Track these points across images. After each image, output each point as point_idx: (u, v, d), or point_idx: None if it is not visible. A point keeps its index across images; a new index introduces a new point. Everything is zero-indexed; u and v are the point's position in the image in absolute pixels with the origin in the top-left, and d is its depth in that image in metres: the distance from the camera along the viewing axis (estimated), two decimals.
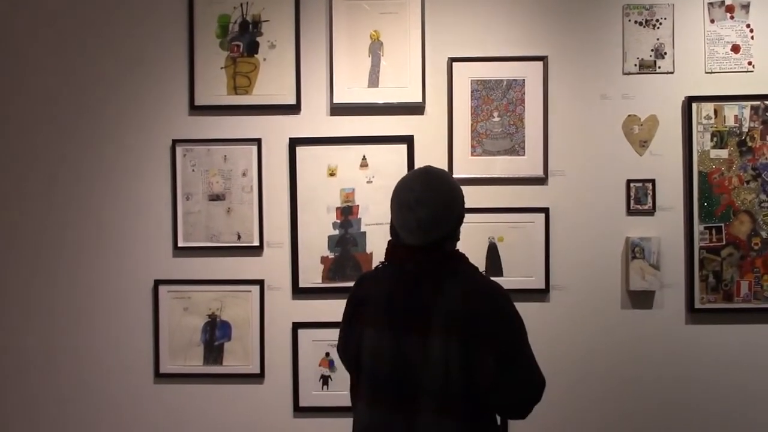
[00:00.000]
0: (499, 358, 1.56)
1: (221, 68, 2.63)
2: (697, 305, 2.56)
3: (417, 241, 1.62)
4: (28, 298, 2.67)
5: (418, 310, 1.61)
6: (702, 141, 2.57)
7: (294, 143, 2.61)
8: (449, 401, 1.57)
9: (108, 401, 2.66)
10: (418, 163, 2.58)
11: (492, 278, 1.76)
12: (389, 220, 2.63)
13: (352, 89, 2.61)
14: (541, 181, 2.60)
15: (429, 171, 1.68)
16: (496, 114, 2.60)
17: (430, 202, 1.60)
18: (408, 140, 2.60)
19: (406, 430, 1.60)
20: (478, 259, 2.48)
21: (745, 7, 2.59)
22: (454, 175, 2.55)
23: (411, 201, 1.60)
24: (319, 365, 2.62)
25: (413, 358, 1.60)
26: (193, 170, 2.64)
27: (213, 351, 2.63)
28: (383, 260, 1.74)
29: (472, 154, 2.60)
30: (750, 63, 2.59)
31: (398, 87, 2.60)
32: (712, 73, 2.60)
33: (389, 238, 1.72)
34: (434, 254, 1.63)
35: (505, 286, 1.70)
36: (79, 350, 2.66)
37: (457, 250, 1.72)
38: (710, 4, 2.60)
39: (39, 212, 2.67)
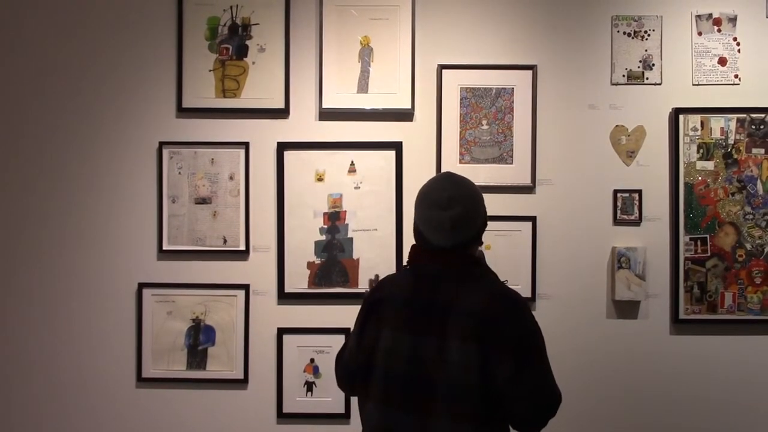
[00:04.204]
0: (515, 364, 1.55)
1: (210, 71, 2.62)
2: (682, 316, 2.57)
3: (446, 242, 1.64)
4: (8, 301, 2.63)
5: (436, 312, 1.61)
6: (688, 152, 2.59)
7: (282, 147, 2.60)
8: (465, 405, 1.56)
9: (89, 405, 2.62)
10: (407, 170, 2.59)
11: None
12: (378, 227, 2.64)
13: (341, 94, 2.60)
14: (528, 189, 2.60)
15: (453, 174, 1.73)
16: (484, 122, 2.60)
17: (462, 201, 1.64)
18: (396, 146, 2.60)
19: (419, 431, 1.59)
20: None
21: (732, 20, 2.62)
22: None
23: (444, 200, 1.63)
24: (304, 371, 2.60)
25: (430, 359, 1.60)
26: (179, 173, 2.61)
27: (196, 356, 2.61)
28: (405, 264, 1.76)
29: (460, 162, 2.59)
30: (736, 76, 2.61)
31: (387, 93, 2.59)
32: (699, 85, 2.62)
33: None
34: (457, 257, 1.65)
35: None
36: (60, 353, 2.63)
37: (478, 257, 1.73)
38: (698, 16, 2.62)
39: (21, 212, 2.63)
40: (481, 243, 1.74)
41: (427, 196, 1.68)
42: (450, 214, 1.62)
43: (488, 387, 1.55)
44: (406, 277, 1.73)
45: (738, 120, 2.58)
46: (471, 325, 1.57)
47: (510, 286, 1.75)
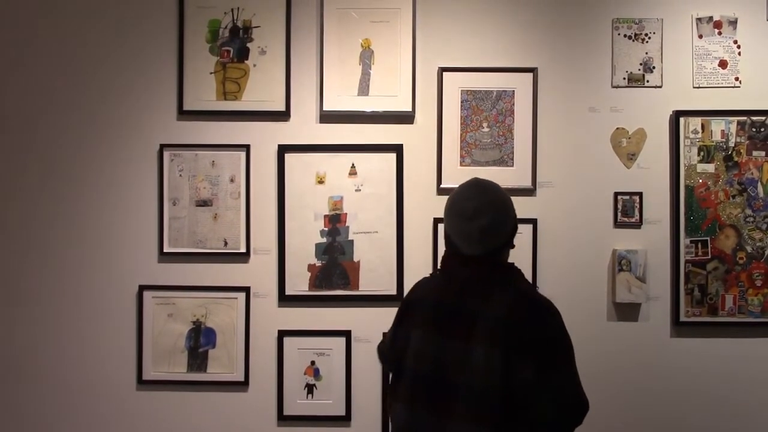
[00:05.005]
0: (537, 368, 1.55)
1: (211, 73, 2.62)
2: (682, 318, 2.57)
3: (477, 251, 1.66)
4: (9, 303, 2.63)
5: (464, 316, 1.64)
6: (689, 155, 2.59)
7: (283, 150, 2.60)
8: (486, 408, 1.56)
9: (90, 407, 2.62)
10: (407, 173, 2.60)
11: None
12: (378, 229, 2.65)
13: (341, 97, 2.60)
14: (529, 192, 2.60)
15: (480, 182, 1.74)
16: (485, 124, 2.61)
17: (489, 210, 1.65)
18: (397, 149, 2.60)
19: None
20: None
21: (733, 23, 2.62)
22: (442, 185, 2.58)
23: (470, 211, 1.65)
24: (305, 373, 2.60)
25: (454, 362, 1.62)
26: (180, 175, 2.62)
27: (197, 358, 2.61)
28: (437, 269, 1.79)
29: (461, 164, 2.60)
30: (737, 78, 2.61)
31: (388, 96, 2.60)
32: (699, 87, 2.62)
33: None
34: (487, 264, 1.67)
35: None
36: (61, 355, 2.63)
37: (512, 263, 1.74)
38: (698, 19, 2.63)
39: (23, 215, 2.63)
40: (513, 246, 1.76)
41: (455, 205, 1.70)
42: (477, 224, 1.64)
43: (509, 391, 1.56)
44: (438, 281, 1.76)
45: (738, 122, 2.59)
46: (496, 330, 1.58)
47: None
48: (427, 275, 1.87)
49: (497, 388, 1.56)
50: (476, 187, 1.72)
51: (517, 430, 1.59)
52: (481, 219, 1.64)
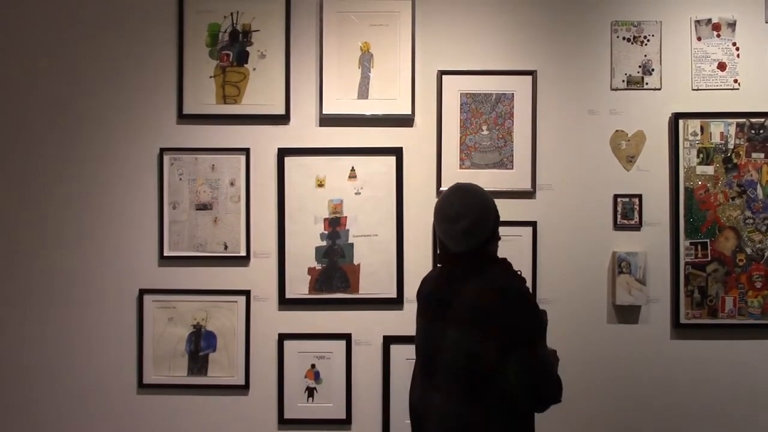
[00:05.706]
0: (504, 352, 1.71)
1: (210, 77, 2.62)
2: (683, 320, 2.57)
3: (462, 248, 1.84)
4: (10, 306, 2.63)
5: (444, 304, 1.86)
6: (688, 157, 2.59)
7: (282, 153, 2.60)
8: (457, 384, 1.78)
9: (90, 411, 2.62)
10: (407, 176, 2.60)
11: None
12: (378, 232, 2.67)
13: (341, 100, 2.60)
14: (528, 194, 2.61)
15: (461, 187, 1.90)
16: (485, 127, 2.61)
17: (469, 213, 1.82)
18: (397, 152, 2.60)
19: (429, 408, 1.85)
20: None
21: (732, 25, 2.62)
22: (442, 188, 2.58)
23: (453, 214, 1.83)
24: (305, 377, 2.60)
25: (436, 344, 1.85)
26: (180, 179, 2.62)
27: (198, 362, 2.61)
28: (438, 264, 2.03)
29: (460, 167, 2.60)
30: (736, 81, 2.62)
31: (388, 99, 2.60)
32: (698, 90, 2.63)
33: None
34: (468, 258, 1.85)
35: None
36: (61, 359, 2.63)
37: (494, 254, 1.90)
38: (697, 22, 2.63)
39: (23, 219, 2.64)
40: (499, 238, 1.92)
41: (440, 210, 1.87)
42: (460, 227, 1.81)
43: (475, 367, 1.74)
44: (435, 275, 2.01)
45: (738, 124, 2.59)
46: (465, 314, 1.78)
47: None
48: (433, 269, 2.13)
49: (465, 366, 1.76)
50: (457, 191, 1.88)
51: (489, 405, 1.76)
52: (462, 221, 1.81)
